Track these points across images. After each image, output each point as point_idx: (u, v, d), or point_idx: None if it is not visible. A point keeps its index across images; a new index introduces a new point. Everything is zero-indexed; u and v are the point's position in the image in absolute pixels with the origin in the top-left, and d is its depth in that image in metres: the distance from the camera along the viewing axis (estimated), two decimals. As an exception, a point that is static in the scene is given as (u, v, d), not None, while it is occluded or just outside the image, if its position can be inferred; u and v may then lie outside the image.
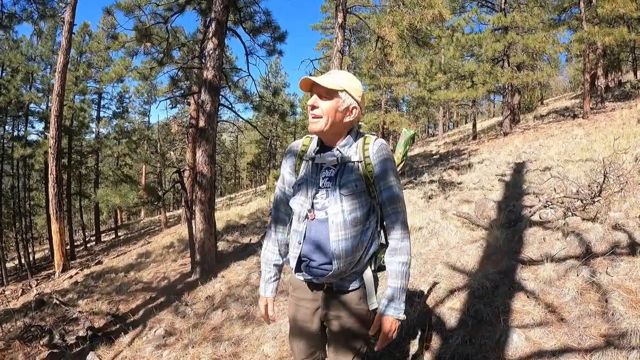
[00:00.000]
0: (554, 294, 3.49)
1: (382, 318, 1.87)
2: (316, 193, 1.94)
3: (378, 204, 1.94)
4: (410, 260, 1.95)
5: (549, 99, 40.97)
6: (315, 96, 1.88)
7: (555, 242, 4.54)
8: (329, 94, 1.85)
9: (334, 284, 1.96)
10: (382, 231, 2.01)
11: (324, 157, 1.95)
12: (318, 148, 1.99)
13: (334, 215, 1.86)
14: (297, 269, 2.00)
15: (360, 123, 2.08)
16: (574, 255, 4.08)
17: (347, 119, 1.93)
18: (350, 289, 1.96)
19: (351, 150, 1.94)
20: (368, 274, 1.97)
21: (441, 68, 21.68)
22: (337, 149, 1.93)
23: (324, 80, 1.84)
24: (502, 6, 18.90)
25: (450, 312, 3.68)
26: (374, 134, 2.03)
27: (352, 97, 1.90)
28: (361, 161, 1.91)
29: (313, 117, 1.88)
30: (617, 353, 2.60)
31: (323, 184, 1.94)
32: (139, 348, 5.16)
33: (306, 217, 1.94)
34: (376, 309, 1.97)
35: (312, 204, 1.93)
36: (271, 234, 2.20)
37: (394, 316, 1.85)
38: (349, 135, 1.97)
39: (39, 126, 25.25)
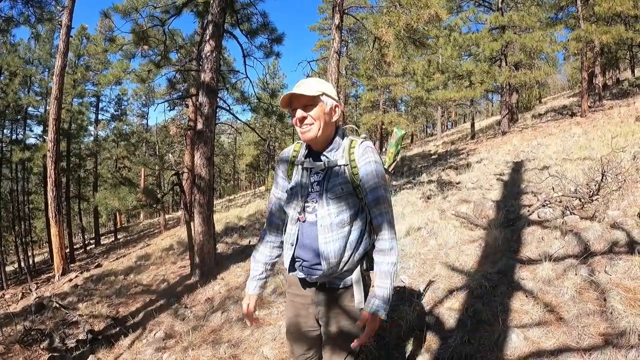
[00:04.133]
0: (553, 293, 3.49)
1: (370, 316, 1.87)
2: (307, 197, 2.03)
3: (366, 205, 2.00)
4: (398, 260, 1.98)
5: (547, 97, 41.01)
6: (300, 110, 1.94)
7: (554, 241, 4.55)
8: (312, 101, 1.93)
9: (326, 282, 2.04)
10: (372, 231, 2.08)
11: (312, 162, 2.03)
12: (307, 152, 2.07)
13: (321, 219, 1.95)
14: (291, 269, 2.09)
15: (356, 128, 2.16)
16: (573, 254, 4.08)
17: (333, 119, 2.02)
18: (341, 287, 2.04)
19: (338, 154, 2.02)
20: (357, 273, 2.02)
21: (439, 68, 21.69)
22: (324, 155, 2.01)
23: (305, 89, 1.91)
24: (499, 5, 18.91)
25: (449, 312, 3.68)
26: (362, 137, 2.10)
27: (331, 97, 1.99)
28: (347, 164, 1.98)
29: (305, 126, 1.95)
30: (616, 352, 2.60)
31: (312, 188, 2.02)
32: (139, 351, 5.16)
33: (298, 219, 2.04)
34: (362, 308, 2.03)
35: (304, 207, 2.03)
36: (264, 237, 2.28)
37: (379, 314, 1.87)
38: (336, 138, 2.05)
39: (38, 130, 25.25)
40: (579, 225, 4.78)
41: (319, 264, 1.95)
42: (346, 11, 10.17)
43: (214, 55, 8.08)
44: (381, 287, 1.90)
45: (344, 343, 2.07)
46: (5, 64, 20.62)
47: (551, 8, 21.57)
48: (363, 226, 2.00)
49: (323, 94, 1.95)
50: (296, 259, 2.06)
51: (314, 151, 2.06)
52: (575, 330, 2.95)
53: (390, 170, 2.48)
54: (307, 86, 1.93)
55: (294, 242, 2.04)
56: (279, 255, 2.27)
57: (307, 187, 2.03)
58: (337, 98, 2.04)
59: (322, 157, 2.02)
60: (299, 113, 1.94)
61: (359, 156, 1.98)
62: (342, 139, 2.07)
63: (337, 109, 2.03)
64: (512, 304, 3.51)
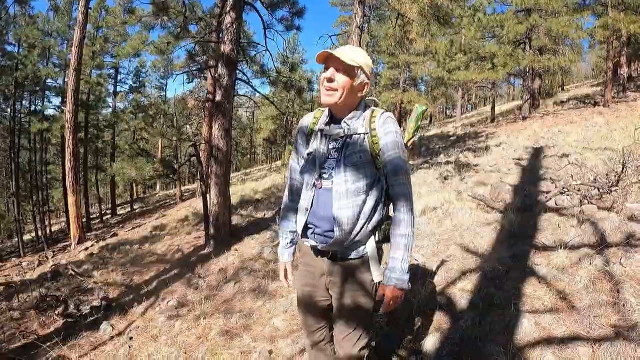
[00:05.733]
0: (566, 282, 3.47)
1: (385, 287, 1.95)
2: (324, 163, 2.03)
3: (384, 175, 1.99)
4: (414, 232, 1.99)
5: (570, 85, 40.23)
6: (332, 69, 1.92)
7: (570, 230, 4.50)
8: (347, 69, 1.91)
9: (337, 252, 2.03)
10: (388, 203, 2.08)
11: (332, 129, 2.04)
12: (328, 120, 2.07)
13: (337, 185, 1.95)
14: (304, 235, 2.10)
15: (375, 99, 2.15)
16: (588, 243, 4.03)
17: (359, 95, 2.01)
18: (353, 257, 2.03)
19: (358, 123, 2.01)
20: (371, 244, 2.02)
21: (461, 48, 21.31)
22: (345, 122, 2.01)
23: (345, 55, 1.88)
24: (526, -13, 18.42)
25: (462, 293, 3.68)
26: (383, 109, 2.09)
27: (366, 74, 1.97)
28: (367, 134, 1.97)
29: (328, 90, 1.94)
30: (626, 345, 2.58)
31: (331, 155, 2.03)
32: (151, 318, 5.26)
33: (314, 185, 2.05)
34: (381, 281, 2.04)
35: (321, 173, 2.03)
36: (287, 203, 2.32)
37: (395, 285, 1.91)
38: (358, 108, 2.03)
39: (56, 101, 25.36)
40: (597, 215, 4.71)
41: (332, 230, 1.95)
42: (369, -13, 10.00)
43: (234, 27, 8.01)
44: (394, 258, 1.94)
45: (353, 315, 2.09)
46: (24, 36, 20.77)
47: (579, -7, 20.95)
48: (379, 197, 2.00)
49: (360, 67, 1.93)
50: (309, 226, 2.07)
51: (335, 118, 2.06)
52: (587, 320, 2.94)
53: (408, 145, 2.47)
54: (349, 54, 1.90)
55: (309, 208, 2.05)
56: None
57: (326, 154, 2.03)
58: (370, 76, 2.01)
59: (343, 124, 2.01)
60: (328, 73, 1.92)
61: (380, 126, 1.97)
62: (364, 110, 2.05)
63: (366, 87, 2.01)
64: (525, 289, 3.50)
